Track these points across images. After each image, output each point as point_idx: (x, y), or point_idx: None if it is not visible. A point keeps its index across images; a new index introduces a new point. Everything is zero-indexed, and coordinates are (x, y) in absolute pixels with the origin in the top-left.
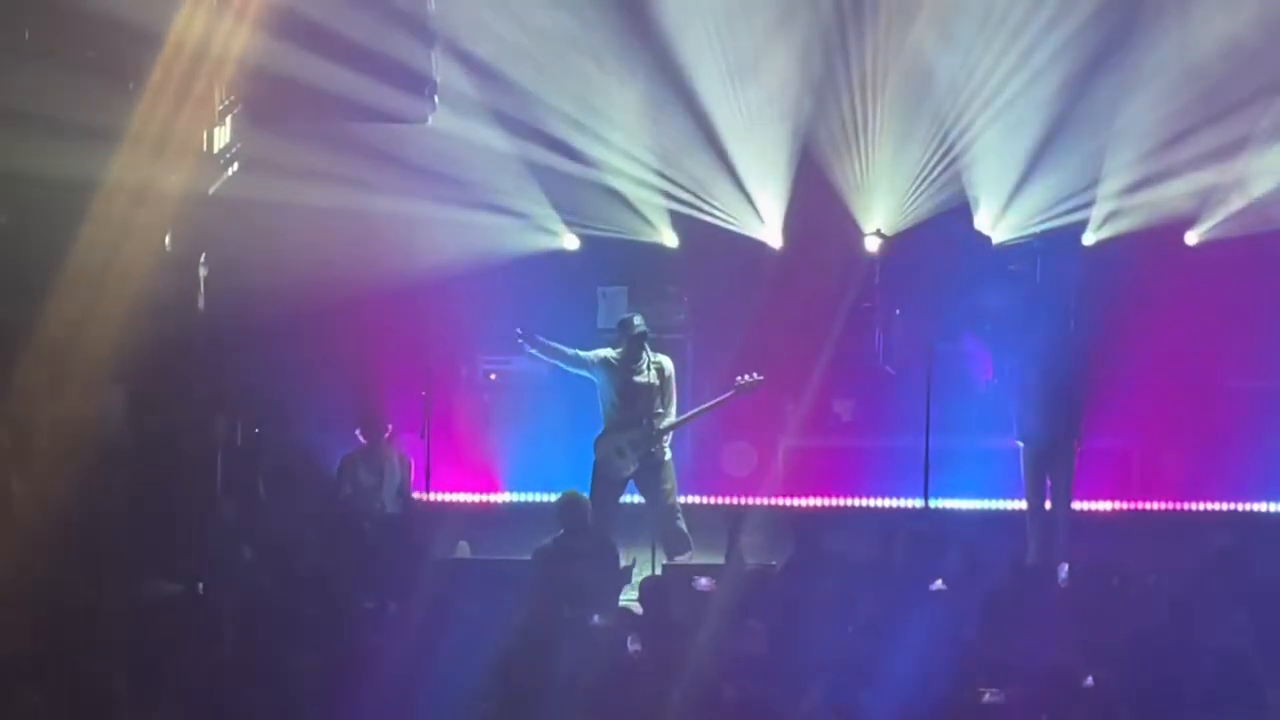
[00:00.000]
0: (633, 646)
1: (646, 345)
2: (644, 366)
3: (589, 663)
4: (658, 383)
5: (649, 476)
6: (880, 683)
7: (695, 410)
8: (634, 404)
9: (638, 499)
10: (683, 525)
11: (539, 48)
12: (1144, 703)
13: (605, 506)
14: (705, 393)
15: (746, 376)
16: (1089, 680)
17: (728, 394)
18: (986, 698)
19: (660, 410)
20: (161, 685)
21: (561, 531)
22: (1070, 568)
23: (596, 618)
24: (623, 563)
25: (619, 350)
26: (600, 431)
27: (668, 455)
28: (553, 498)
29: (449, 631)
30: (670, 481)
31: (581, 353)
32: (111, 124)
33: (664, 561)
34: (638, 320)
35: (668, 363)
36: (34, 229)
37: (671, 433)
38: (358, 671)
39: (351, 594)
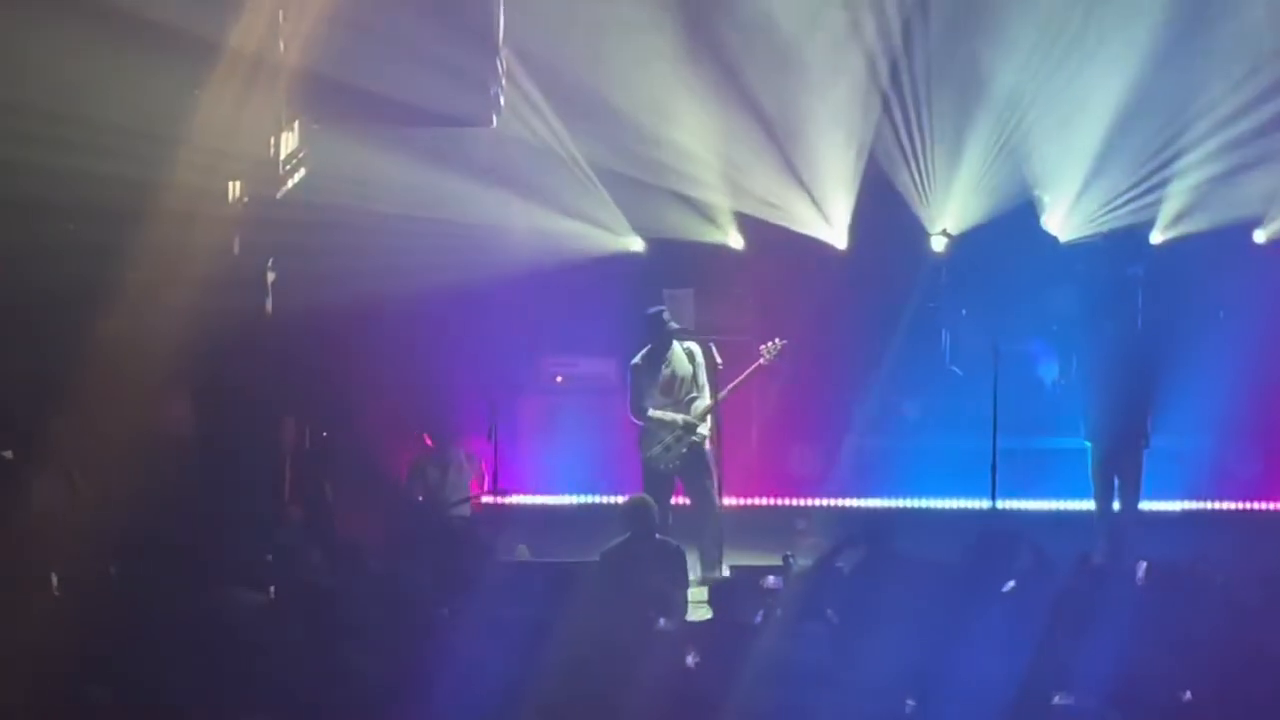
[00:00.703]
0: (691, 660)
1: (674, 336)
2: (674, 356)
3: (648, 670)
4: (690, 369)
5: (693, 470)
6: (948, 686)
7: (727, 389)
8: (670, 395)
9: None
10: (720, 539)
11: (605, 50)
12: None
13: (660, 504)
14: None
15: (770, 343)
16: (1187, 695)
17: (754, 365)
18: (1056, 700)
19: (695, 395)
20: (232, 690)
21: (627, 535)
22: (1148, 567)
23: (662, 621)
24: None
25: (646, 349)
26: (642, 430)
27: (707, 445)
28: (619, 500)
29: (512, 634)
30: (712, 479)
31: (632, 385)
32: (176, 129)
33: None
34: (666, 314)
35: (697, 349)
36: (100, 236)
37: (709, 417)
38: (425, 674)
39: (419, 596)
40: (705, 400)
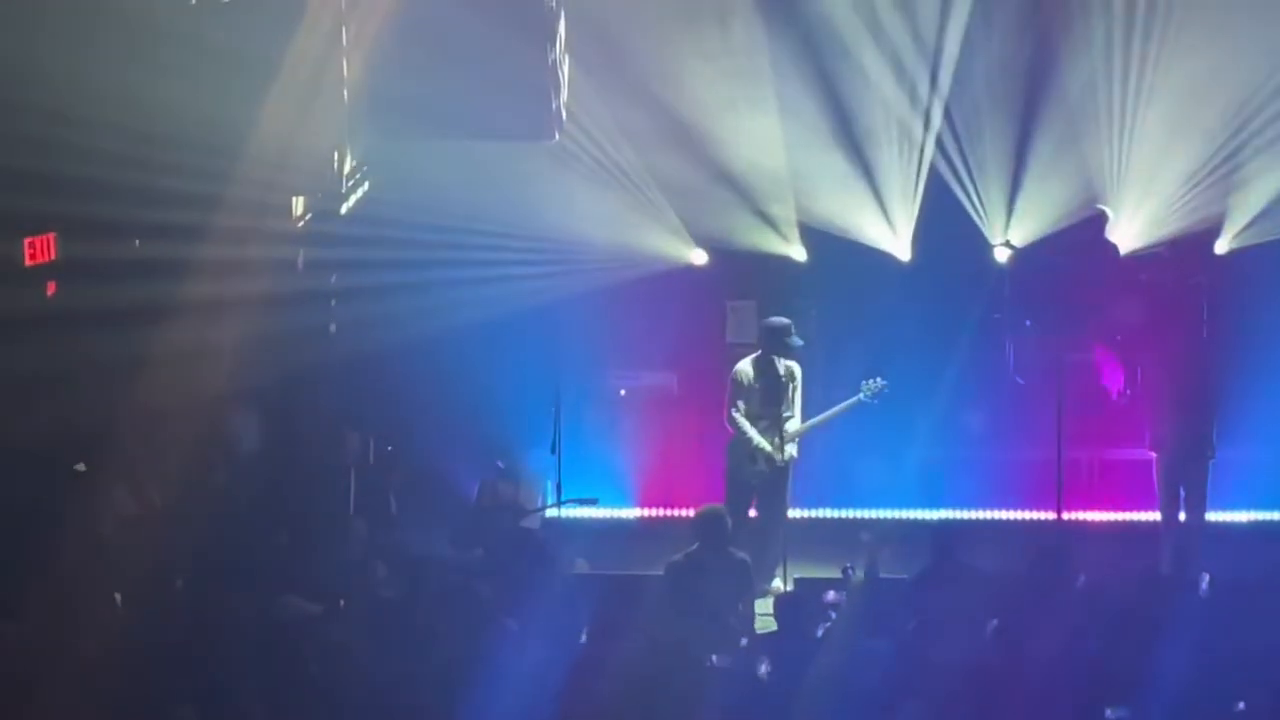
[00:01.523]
0: (763, 669)
1: (782, 349)
2: (777, 372)
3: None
4: (789, 388)
5: (773, 484)
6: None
7: (821, 416)
8: (767, 407)
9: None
10: (782, 548)
11: (667, 61)
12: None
13: (736, 515)
14: (832, 406)
15: (871, 381)
16: (1240, 705)
17: (852, 399)
18: (1109, 714)
19: (789, 414)
20: (301, 703)
21: (695, 546)
22: (1211, 579)
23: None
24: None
25: (753, 357)
26: (735, 436)
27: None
28: (684, 514)
29: (573, 646)
30: (789, 494)
31: (732, 390)
32: (240, 145)
33: (795, 576)
34: (793, 329)
35: (797, 368)
36: (166, 252)
37: (799, 439)
38: (490, 684)
39: (484, 608)
40: (797, 422)
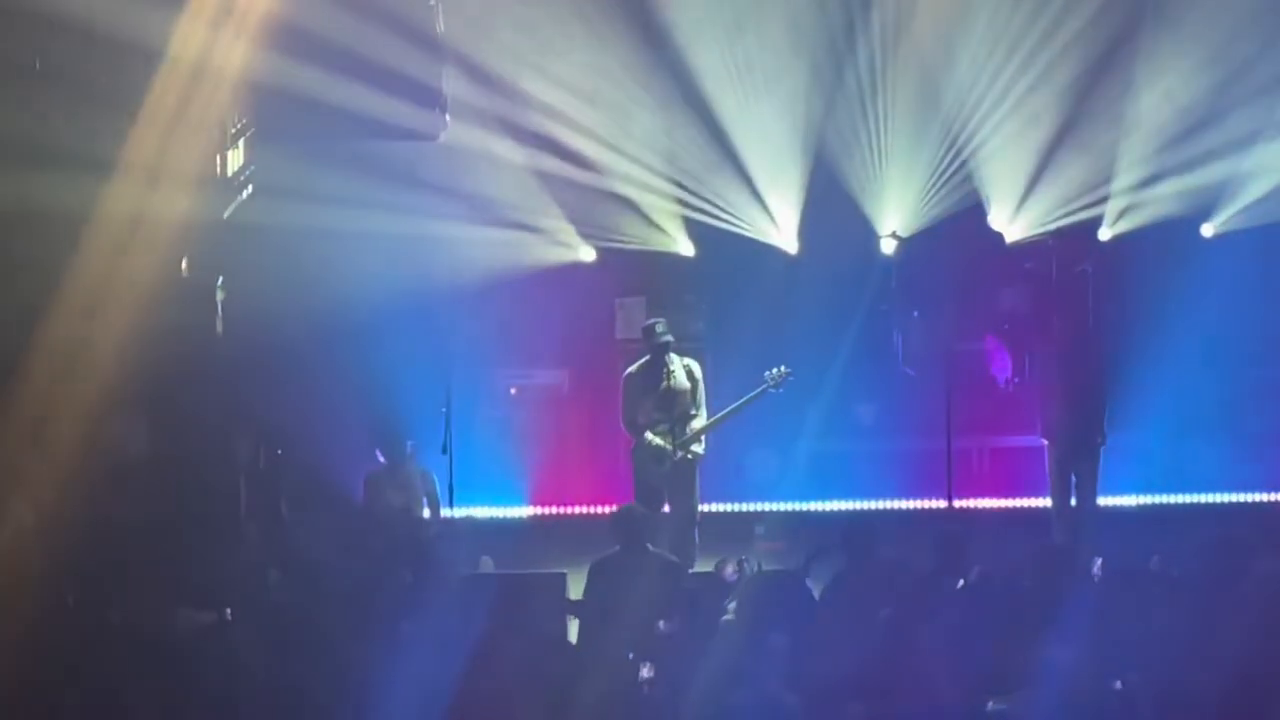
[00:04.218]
0: (645, 674)
1: (655, 348)
2: (672, 370)
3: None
4: (689, 385)
5: (680, 482)
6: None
7: (726, 410)
8: (666, 409)
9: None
10: (696, 536)
11: (550, 59)
12: (1167, 705)
13: (649, 516)
14: (725, 400)
15: (774, 371)
16: (1117, 684)
17: (757, 390)
18: (990, 706)
19: (693, 412)
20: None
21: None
22: (1103, 562)
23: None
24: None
25: (643, 360)
26: (635, 441)
27: (699, 460)
28: (577, 511)
29: (474, 646)
30: (697, 489)
31: (624, 396)
32: (119, 149)
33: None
34: (660, 326)
35: (696, 366)
36: (45, 257)
37: (705, 436)
38: (384, 689)
39: (380, 612)
40: (702, 419)
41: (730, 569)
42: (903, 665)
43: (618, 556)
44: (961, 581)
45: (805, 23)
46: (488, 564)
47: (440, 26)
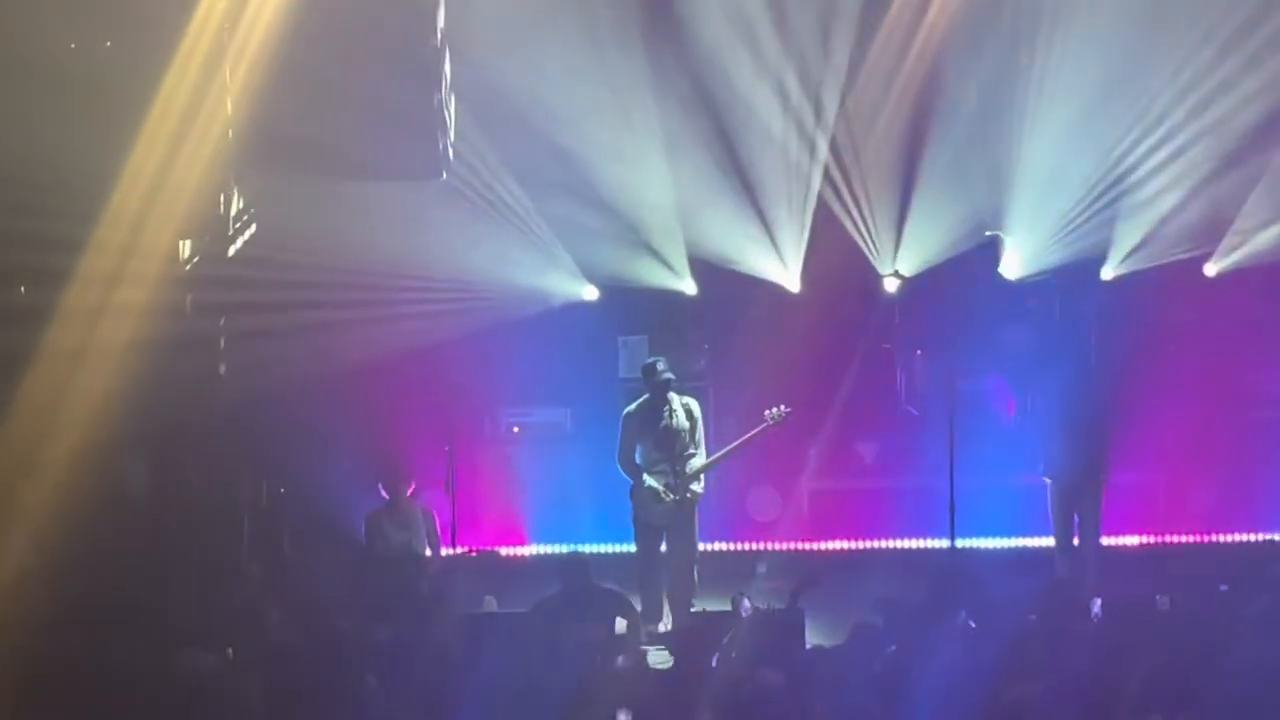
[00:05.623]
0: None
1: (655, 387)
2: (673, 410)
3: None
4: (688, 425)
5: (679, 521)
6: None
7: (727, 449)
8: (666, 448)
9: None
10: (696, 575)
11: (555, 97)
12: None
13: (651, 557)
14: (728, 439)
15: (774, 410)
16: None
17: (758, 429)
18: None
19: (692, 451)
20: None
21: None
22: (1103, 602)
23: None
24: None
25: (643, 399)
26: (633, 483)
27: (698, 499)
28: (581, 549)
29: (475, 685)
30: (696, 528)
31: (622, 434)
32: (118, 188)
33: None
34: (661, 365)
35: (695, 404)
36: (51, 298)
37: (704, 475)
38: None
39: (379, 653)
40: (701, 458)
41: (747, 604)
42: (904, 703)
43: (561, 594)
44: (964, 616)
45: (809, 58)
46: (491, 603)
47: (444, 64)
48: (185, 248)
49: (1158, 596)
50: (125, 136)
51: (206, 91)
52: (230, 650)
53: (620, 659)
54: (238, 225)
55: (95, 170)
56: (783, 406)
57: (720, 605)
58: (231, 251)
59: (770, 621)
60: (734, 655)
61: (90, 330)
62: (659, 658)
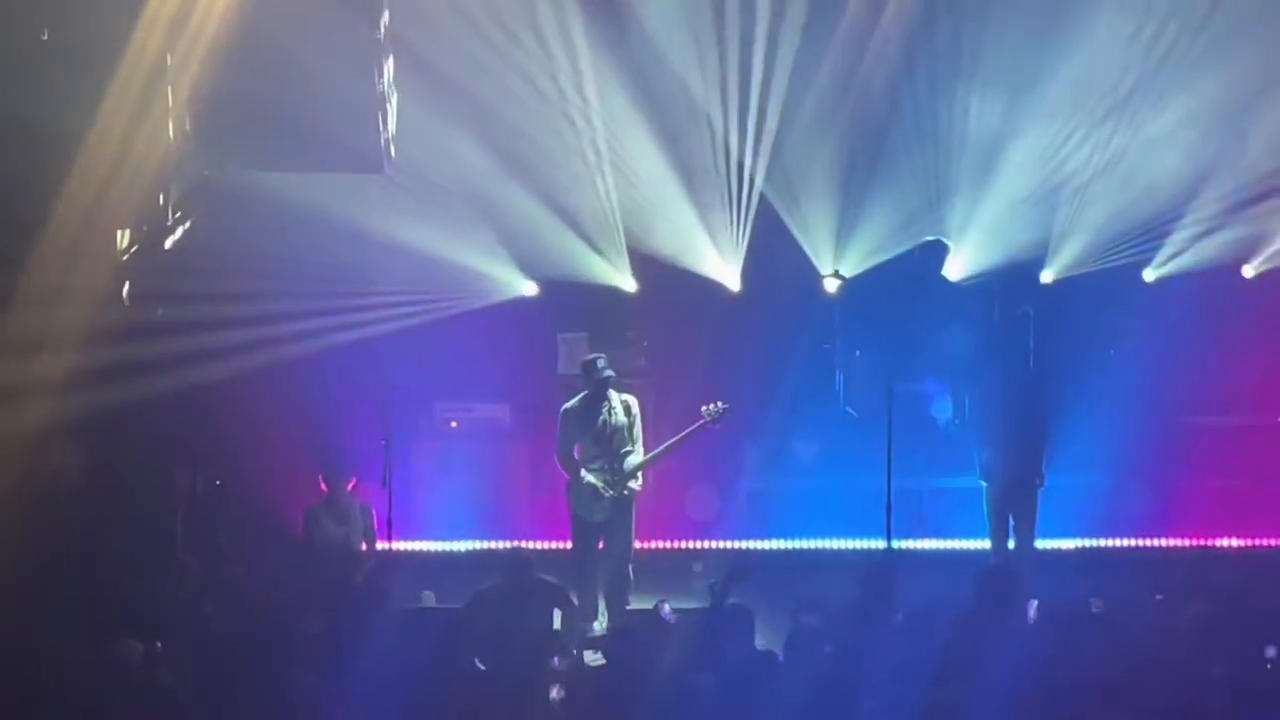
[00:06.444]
0: (556, 694)
1: (595, 384)
2: (612, 407)
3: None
4: (626, 422)
5: (617, 519)
6: None
7: (664, 445)
8: (604, 445)
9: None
10: (630, 572)
11: (495, 93)
12: None
13: (588, 555)
14: (666, 437)
15: (712, 405)
16: None
17: (695, 425)
18: None
19: (629, 449)
20: None
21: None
22: (1038, 606)
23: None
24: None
25: (582, 395)
26: (571, 479)
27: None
28: (518, 545)
29: (410, 680)
30: (633, 526)
31: (561, 431)
32: (65, 178)
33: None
34: (600, 362)
35: (633, 402)
36: None
37: (642, 472)
38: None
39: (314, 646)
40: (639, 455)
41: (668, 609)
42: (840, 703)
43: (500, 586)
44: (900, 617)
45: (750, 58)
46: (429, 598)
47: (386, 58)
48: (123, 237)
49: (1091, 599)
50: (72, 128)
51: (149, 83)
52: (160, 642)
53: (555, 660)
54: (176, 215)
55: (43, 162)
56: (720, 403)
57: (649, 604)
58: (169, 243)
59: (712, 622)
60: (671, 657)
61: (35, 319)
62: (594, 658)
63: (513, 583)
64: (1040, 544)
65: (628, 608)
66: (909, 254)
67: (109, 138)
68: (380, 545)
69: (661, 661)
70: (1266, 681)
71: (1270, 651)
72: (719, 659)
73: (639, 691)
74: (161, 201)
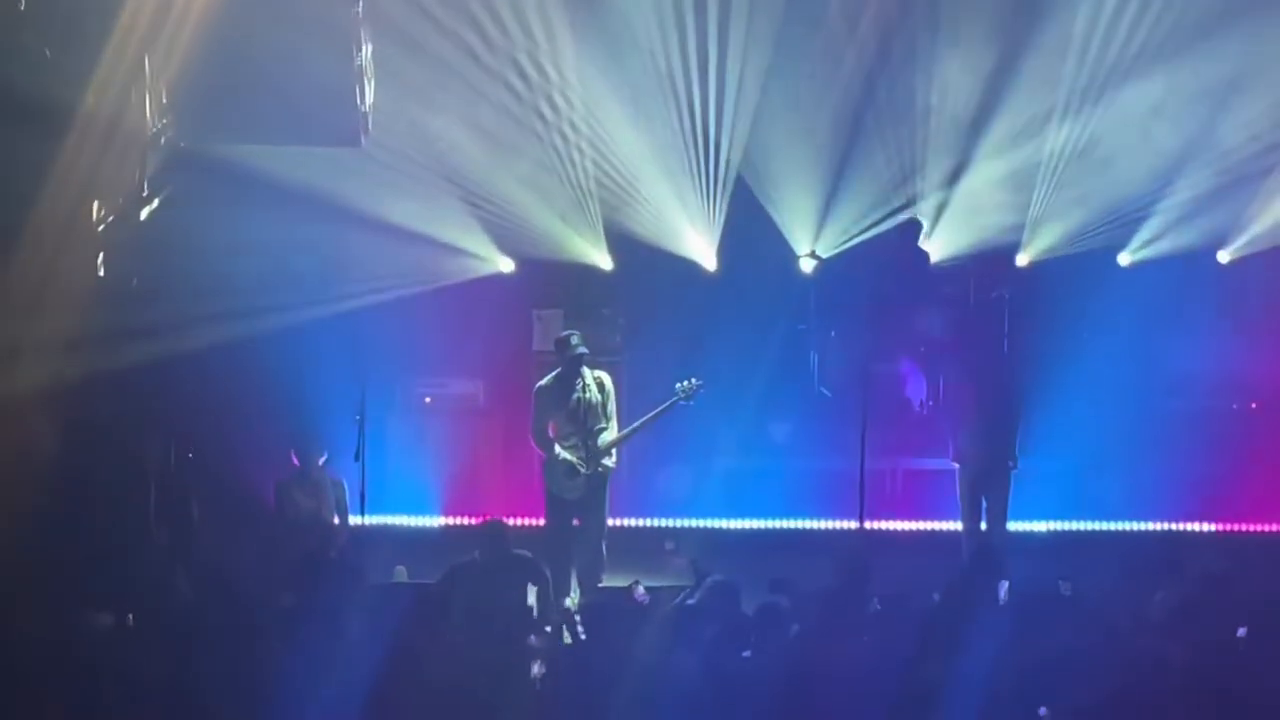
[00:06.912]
0: (537, 670)
1: (569, 361)
2: (586, 384)
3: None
4: (600, 399)
5: (592, 496)
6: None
7: (639, 422)
8: (579, 422)
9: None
10: (604, 550)
11: (472, 70)
12: None
13: (562, 532)
14: (640, 414)
15: (686, 382)
16: (1042, 712)
17: (669, 402)
18: None
19: (603, 426)
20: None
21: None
22: (1010, 587)
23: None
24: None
25: (556, 372)
26: (546, 456)
27: (610, 473)
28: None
29: (386, 655)
30: (605, 508)
31: (535, 408)
32: (42, 152)
33: (598, 584)
34: (575, 339)
35: (607, 378)
36: None
37: (616, 449)
38: (288, 697)
39: (291, 619)
40: (613, 432)
41: (641, 590)
42: (815, 687)
43: (478, 559)
44: (875, 602)
45: (730, 34)
46: (402, 573)
47: (361, 32)
48: (99, 208)
49: (1060, 582)
50: (53, 96)
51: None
52: (132, 615)
53: (532, 638)
54: (152, 188)
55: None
56: (693, 380)
57: (622, 582)
58: (145, 214)
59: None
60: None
61: (12, 288)
62: (568, 636)
63: (489, 555)
64: (1012, 526)
65: (600, 585)
66: (885, 235)
67: (86, 108)
68: (353, 520)
69: (643, 636)
70: (1233, 664)
71: (1241, 632)
72: (699, 637)
73: (618, 670)
74: (138, 174)
